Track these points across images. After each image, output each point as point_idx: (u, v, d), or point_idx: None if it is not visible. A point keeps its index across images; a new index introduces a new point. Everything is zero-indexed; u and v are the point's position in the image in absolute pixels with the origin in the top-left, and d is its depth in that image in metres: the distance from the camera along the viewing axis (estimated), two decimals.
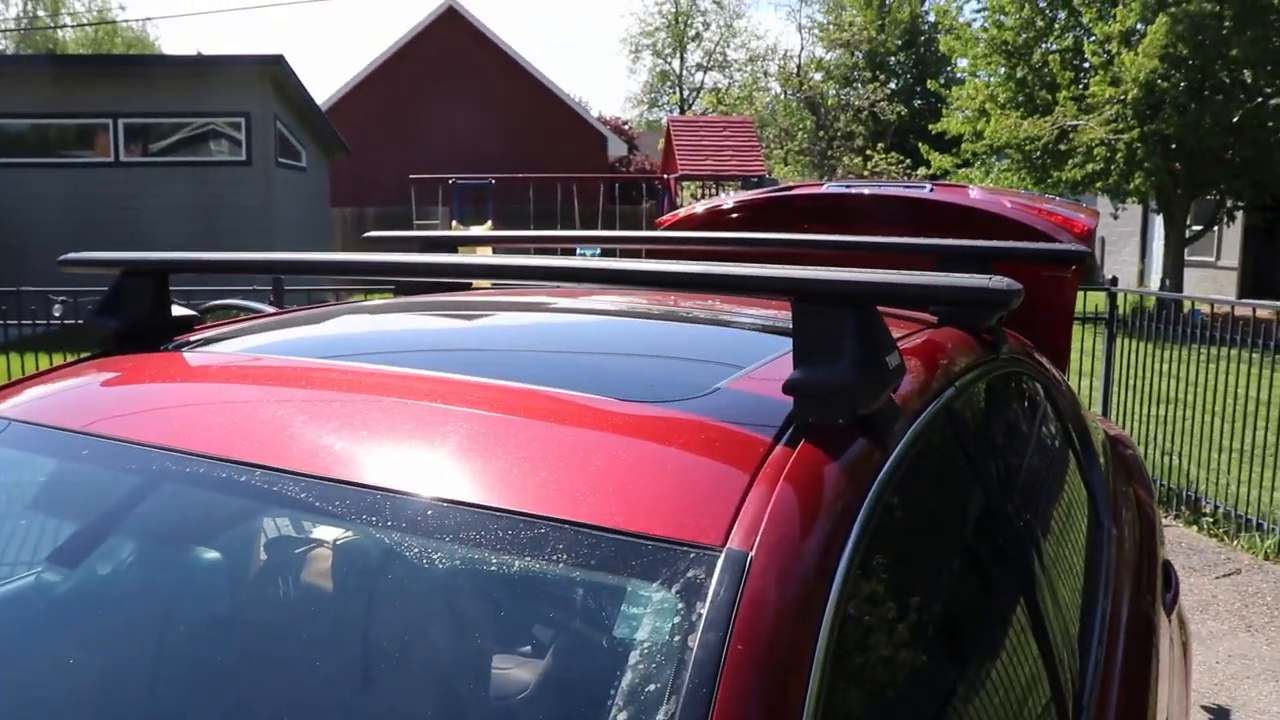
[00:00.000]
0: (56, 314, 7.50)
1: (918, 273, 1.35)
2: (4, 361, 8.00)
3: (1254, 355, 6.21)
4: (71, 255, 1.92)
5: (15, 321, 7.35)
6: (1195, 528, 6.37)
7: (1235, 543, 6.09)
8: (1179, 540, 6.12)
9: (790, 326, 1.27)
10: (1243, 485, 6.29)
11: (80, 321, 7.10)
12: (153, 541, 1.45)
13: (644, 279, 1.48)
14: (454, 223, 19.88)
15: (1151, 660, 2.12)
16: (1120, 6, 16.14)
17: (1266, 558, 5.85)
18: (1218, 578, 5.59)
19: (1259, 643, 4.81)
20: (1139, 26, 15.79)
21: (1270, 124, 15.09)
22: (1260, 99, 15.12)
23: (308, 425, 1.36)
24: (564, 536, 1.08)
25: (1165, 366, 6.72)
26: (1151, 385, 6.90)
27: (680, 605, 1.01)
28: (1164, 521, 5.76)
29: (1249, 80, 15.27)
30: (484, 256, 1.58)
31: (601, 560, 1.07)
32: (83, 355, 1.83)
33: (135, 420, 1.48)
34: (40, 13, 44.20)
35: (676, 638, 0.99)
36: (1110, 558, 2.30)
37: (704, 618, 0.99)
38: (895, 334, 1.52)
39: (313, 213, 19.62)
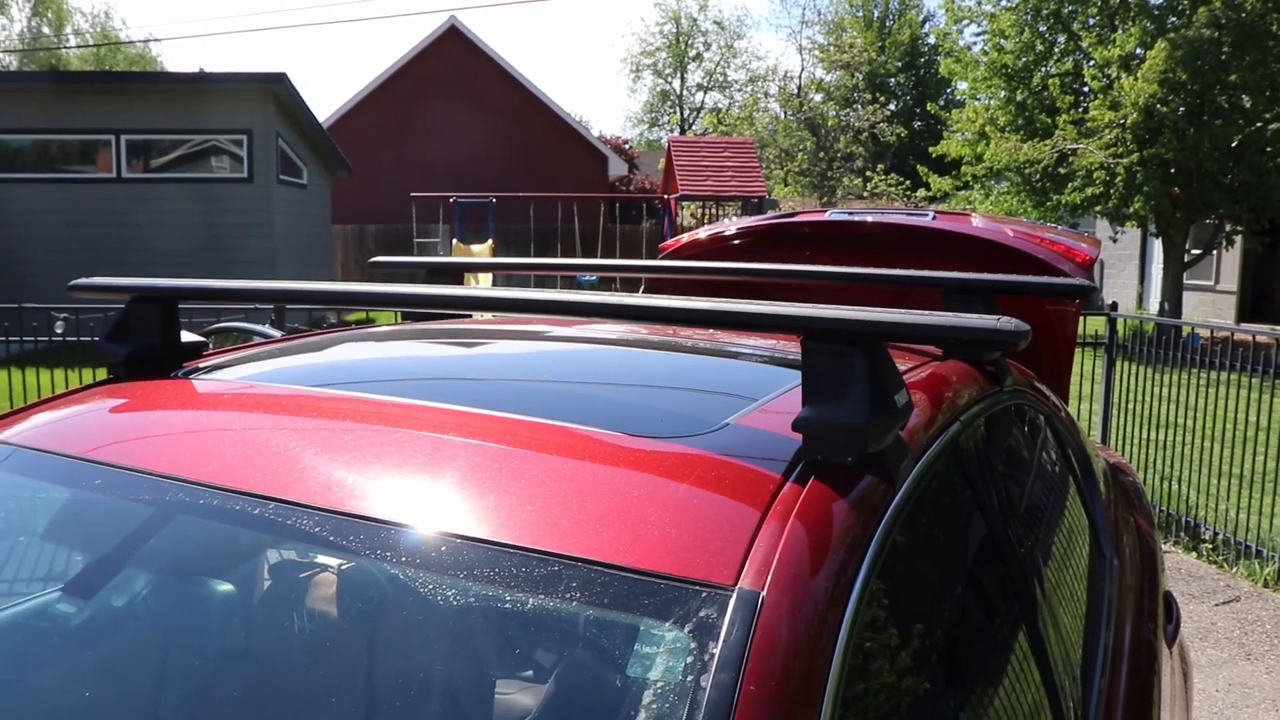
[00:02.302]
0: (59, 331, 7.52)
1: (927, 312, 1.37)
2: (5, 376, 8.02)
3: (1253, 380, 6.21)
4: (81, 281, 1.92)
5: (18, 338, 7.37)
6: (1194, 554, 6.36)
7: (1234, 569, 6.09)
8: (1178, 566, 6.12)
9: (797, 359, 1.28)
10: (1242, 511, 6.30)
11: (82, 339, 7.13)
12: (162, 573, 1.46)
13: (652, 315, 1.49)
14: (454, 241, 19.94)
15: (1154, 689, 2.13)
16: (1120, 31, 16.24)
17: (1266, 585, 5.85)
18: (1217, 605, 5.59)
19: (1259, 671, 4.80)
20: (1138, 51, 15.89)
21: (1269, 149, 15.16)
22: (1259, 124, 15.19)
23: (319, 458, 1.37)
24: (576, 574, 1.09)
25: (1164, 391, 6.73)
26: (1151, 410, 6.91)
27: (693, 645, 1.02)
28: (1163, 548, 5.76)
29: (1247, 105, 15.34)
30: (485, 289, 1.58)
31: (614, 599, 1.07)
32: (85, 375, 1.84)
33: (145, 449, 1.48)
34: (45, 30, 44.40)
35: (689, 677, 1.00)
36: (1111, 586, 2.31)
37: (716, 658, 1.00)
38: (901, 366, 1.53)
39: (314, 230, 19.67)
